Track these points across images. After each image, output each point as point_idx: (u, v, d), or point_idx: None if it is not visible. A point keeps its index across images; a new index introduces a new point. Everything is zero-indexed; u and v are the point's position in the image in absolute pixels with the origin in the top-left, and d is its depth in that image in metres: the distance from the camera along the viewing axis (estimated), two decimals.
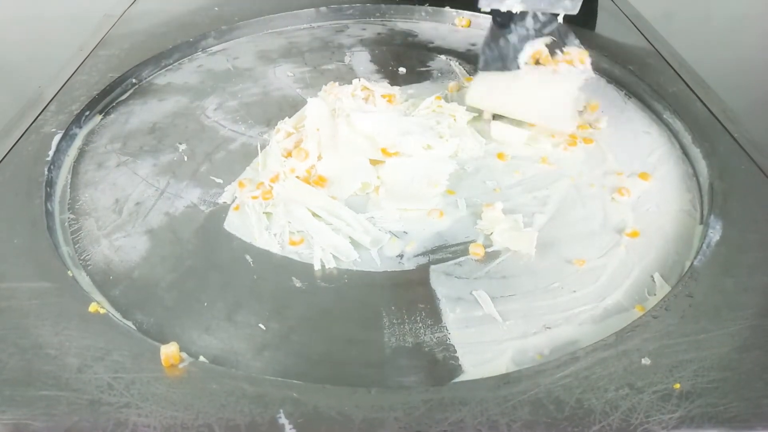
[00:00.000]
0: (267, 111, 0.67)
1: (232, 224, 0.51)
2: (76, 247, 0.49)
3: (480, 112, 0.64)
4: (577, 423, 0.34)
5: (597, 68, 0.75)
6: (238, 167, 0.58)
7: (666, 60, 0.73)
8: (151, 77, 0.73)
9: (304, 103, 0.63)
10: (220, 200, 0.54)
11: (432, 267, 0.48)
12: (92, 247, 0.49)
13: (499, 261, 0.48)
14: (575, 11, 0.58)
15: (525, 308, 0.44)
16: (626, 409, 0.35)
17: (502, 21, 0.60)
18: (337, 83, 0.66)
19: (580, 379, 0.37)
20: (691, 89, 0.67)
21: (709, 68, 0.72)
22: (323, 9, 0.88)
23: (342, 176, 0.55)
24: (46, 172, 0.54)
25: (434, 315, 0.44)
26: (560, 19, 0.60)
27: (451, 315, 0.44)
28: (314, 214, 0.51)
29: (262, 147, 0.59)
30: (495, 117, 0.63)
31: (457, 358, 0.41)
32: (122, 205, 0.53)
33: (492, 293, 0.45)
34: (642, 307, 0.44)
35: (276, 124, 0.61)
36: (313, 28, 0.87)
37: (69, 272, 0.45)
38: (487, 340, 0.42)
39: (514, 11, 0.59)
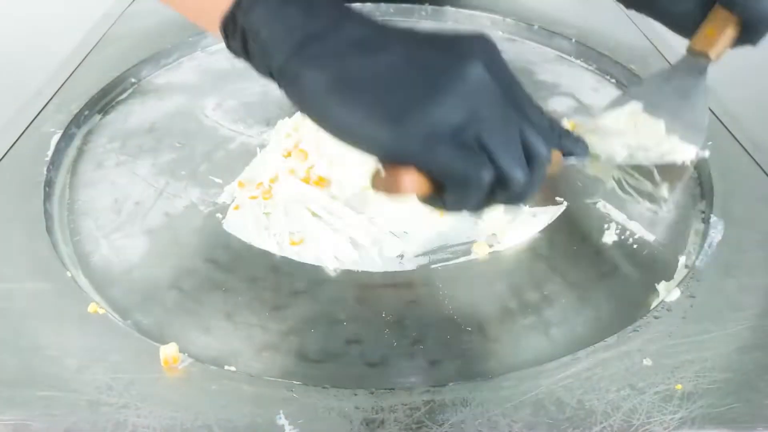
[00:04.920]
0: (267, 110, 0.67)
1: (231, 224, 0.51)
2: (75, 247, 0.49)
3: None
4: (579, 424, 0.34)
5: (598, 68, 0.75)
6: (238, 167, 0.57)
7: (666, 60, 0.73)
8: (150, 76, 0.73)
9: None
10: (220, 200, 0.54)
11: (433, 267, 0.47)
12: (91, 247, 0.49)
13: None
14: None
15: None
16: (627, 409, 0.35)
17: None
18: None
19: (581, 379, 0.37)
20: None
21: (709, 68, 0.72)
22: None
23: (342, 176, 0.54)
24: (44, 172, 0.53)
25: None
26: None
27: None
28: (314, 214, 0.51)
29: (262, 147, 0.59)
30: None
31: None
32: (121, 205, 0.53)
33: None
34: None
35: (276, 124, 0.61)
36: None
37: (68, 272, 0.44)
38: None
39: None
